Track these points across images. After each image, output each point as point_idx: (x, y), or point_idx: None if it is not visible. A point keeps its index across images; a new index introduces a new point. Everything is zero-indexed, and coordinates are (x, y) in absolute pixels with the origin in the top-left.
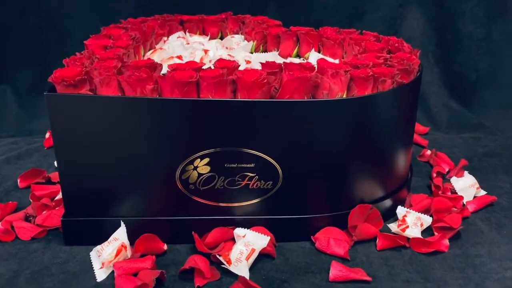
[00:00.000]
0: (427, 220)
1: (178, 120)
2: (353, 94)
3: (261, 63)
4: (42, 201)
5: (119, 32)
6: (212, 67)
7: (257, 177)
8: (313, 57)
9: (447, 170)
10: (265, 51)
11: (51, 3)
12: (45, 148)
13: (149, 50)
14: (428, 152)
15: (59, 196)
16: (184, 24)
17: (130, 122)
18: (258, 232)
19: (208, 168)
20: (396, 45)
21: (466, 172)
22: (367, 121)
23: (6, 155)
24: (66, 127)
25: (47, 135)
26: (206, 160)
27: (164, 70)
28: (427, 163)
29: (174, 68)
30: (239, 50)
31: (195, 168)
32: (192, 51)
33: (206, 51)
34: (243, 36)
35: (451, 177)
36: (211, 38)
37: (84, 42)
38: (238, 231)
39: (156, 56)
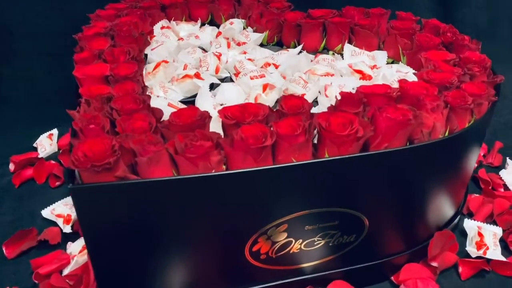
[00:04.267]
0: (499, 232)
1: (251, 192)
2: (455, 128)
3: (337, 98)
4: (51, 281)
5: (107, 45)
6: (261, 93)
7: (339, 233)
8: (348, 52)
9: (482, 154)
10: (279, 41)
11: None
12: (16, 187)
13: (147, 63)
14: None
15: (72, 266)
16: (166, 10)
17: (188, 203)
18: None
19: (284, 235)
20: (449, 34)
21: (508, 159)
22: (463, 153)
23: None
24: (101, 220)
25: (12, 166)
26: (284, 227)
27: (179, 93)
28: None
29: (234, 121)
30: (252, 45)
31: (269, 237)
32: (201, 57)
33: (219, 57)
34: (244, 21)
35: (488, 162)
36: (201, 24)
37: (74, 73)
38: None
39: (161, 73)
